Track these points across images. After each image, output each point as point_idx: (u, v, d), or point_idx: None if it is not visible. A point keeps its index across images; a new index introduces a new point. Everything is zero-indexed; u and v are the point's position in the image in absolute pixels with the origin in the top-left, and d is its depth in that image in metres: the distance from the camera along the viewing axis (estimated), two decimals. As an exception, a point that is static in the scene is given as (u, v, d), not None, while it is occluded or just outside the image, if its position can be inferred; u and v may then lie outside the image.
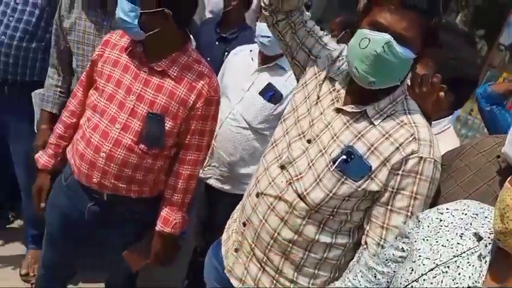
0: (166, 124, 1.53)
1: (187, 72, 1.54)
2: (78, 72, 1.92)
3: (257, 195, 1.35)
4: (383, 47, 1.14)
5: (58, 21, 1.94)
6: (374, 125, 1.23)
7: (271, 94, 2.02)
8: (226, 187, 2.14)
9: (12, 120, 2.13)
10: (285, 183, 1.29)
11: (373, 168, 1.20)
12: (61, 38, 1.96)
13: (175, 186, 1.64)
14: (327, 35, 1.43)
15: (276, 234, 1.30)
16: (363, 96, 1.24)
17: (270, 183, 1.32)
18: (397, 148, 1.19)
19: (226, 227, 1.55)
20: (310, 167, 1.26)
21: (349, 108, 1.26)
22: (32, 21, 2.02)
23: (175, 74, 1.53)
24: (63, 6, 1.92)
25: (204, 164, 2.07)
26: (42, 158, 1.77)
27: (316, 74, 1.38)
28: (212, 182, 2.16)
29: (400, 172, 1.19)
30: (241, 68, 2.13)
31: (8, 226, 2.77)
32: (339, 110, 1.27)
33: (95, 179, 1.58)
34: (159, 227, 1.65)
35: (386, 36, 1.14)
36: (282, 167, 1.31)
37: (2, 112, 2.15)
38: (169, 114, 1.53)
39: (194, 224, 2.29)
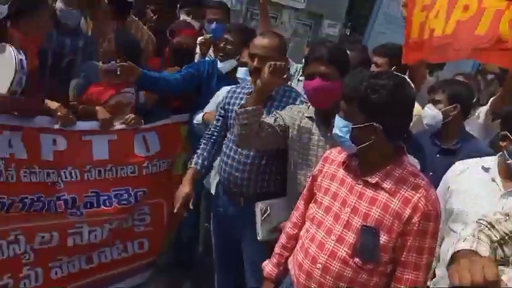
0: (380, 238, 1.50)
1: (403, 185, 1.51)
2: (302, 180, 2.06)
3: None
4: None
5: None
6: None
7: None
8: None
9: (245, 227, 2.36)
10: None
11: None
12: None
13: None
14: None
15: None
16: None
17: None
18: None
19: None
20: None
21: None
22: None
23: (389, 187, 1.52)
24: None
25: None
26: (268, 267, 1.91)
27: None
28: None
29: None
30: (478, 190, 1.90)
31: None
32: None
33: (311, 290, 1.61)
34: None
35: None
36: None
37: (236, 220, 2.41)
38: (384, 227, 1.50)
39: None
